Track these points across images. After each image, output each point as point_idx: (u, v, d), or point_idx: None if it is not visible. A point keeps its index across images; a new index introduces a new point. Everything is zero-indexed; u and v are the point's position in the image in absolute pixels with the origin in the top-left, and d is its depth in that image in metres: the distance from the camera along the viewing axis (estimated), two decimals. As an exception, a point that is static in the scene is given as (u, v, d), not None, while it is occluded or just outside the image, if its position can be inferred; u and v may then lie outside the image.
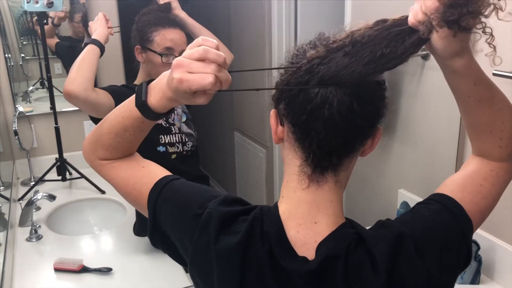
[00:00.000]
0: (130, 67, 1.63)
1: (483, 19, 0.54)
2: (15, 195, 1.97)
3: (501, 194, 0.72)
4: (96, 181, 2.00)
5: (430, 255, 0.63)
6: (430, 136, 1.45)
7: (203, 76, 0.58)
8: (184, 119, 1.59)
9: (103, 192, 1.98)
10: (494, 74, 1.05)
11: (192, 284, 0.74)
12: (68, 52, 2.24)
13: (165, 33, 1.45)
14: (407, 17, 0.59)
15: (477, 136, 0.71)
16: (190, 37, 1.61)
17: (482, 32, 0.56)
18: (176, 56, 1.45)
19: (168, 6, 1.60)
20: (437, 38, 0.57)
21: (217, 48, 0.59)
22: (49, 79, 1.93)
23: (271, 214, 0.66)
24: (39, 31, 1.91)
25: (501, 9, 0.53)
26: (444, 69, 0.63)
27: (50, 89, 1.96)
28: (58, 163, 2.02)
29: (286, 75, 0.63)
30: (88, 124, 2.25)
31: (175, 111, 1.58)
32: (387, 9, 1.45)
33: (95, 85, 1.39)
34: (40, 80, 2.26)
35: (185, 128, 1.57)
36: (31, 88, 2.26)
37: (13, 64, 2.18)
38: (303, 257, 0.63)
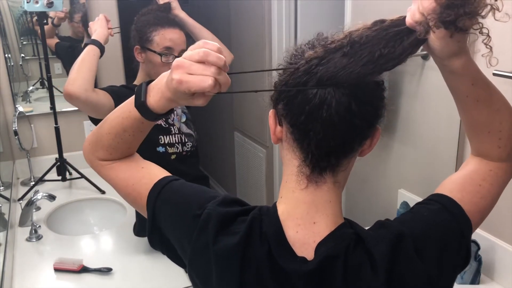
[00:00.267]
0: (130, 67, 1.63)
1: (480, 20, 0.54)
2: (15, 195, 1.97)
3: (500, 194, 0.72)
4: (96, 181, 2.00)
5: (429, 255, 0.63)
6: (430, 136, 1.44)
7: (203, 79, 0.58)
8: (183, 119, 1.59)
9: (103, 192, 1.98)
10: (494, 74, 1.05)
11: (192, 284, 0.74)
12: (68, 52, 2.24)
13: (165, 33, 1.45)
14: (405, 17, 0.59)
15: (476, 136, 0.72)
16: (189, 37, 1.60)
17: (479, 32, 0.56)
18: (175, 56, 1.45)
19: (167, 6, 1.60)
20: (434, 38, 0.57)
21: (219, 51, 0.59)
22: (49, 79, 1.93)
23: (270, 215, 0.66)
24: (39, 31, 1.91)
25: (498, 9, 0.53)
26: (442, 69, 0.63)
27: (50, 89, 1.96)
28: (58, 163, 2.03)
29: (285, 75, 0.63)
30: (88, 124, 2.25)
31: (175, 112, 1.58)
32: (387, 9, 1.45)
33: (95, 86, 1.39)
34: (40, 80, 2.26)
35: (184, 129, 1.57)
36: (31, 88, 2.26)
37: (13, 64, 2.18)
38: (302, 257, 0.63)
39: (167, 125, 1.52)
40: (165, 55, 1.43)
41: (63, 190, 2.03)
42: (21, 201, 1.90)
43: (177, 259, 0.74)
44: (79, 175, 2.03)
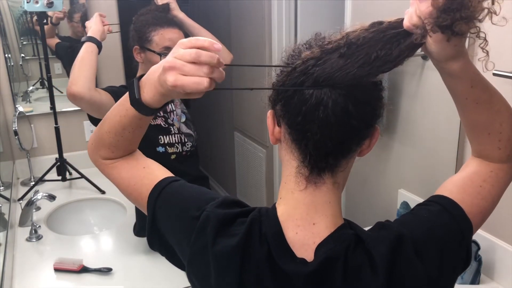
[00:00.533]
0: (130, 67, 1.63)
1: (477, 24, 0.54)
2: (15, 195, 1.97)
3: (501, 195, 0.72)
4: (96, 181, 2.00)
5: (429, 256, 0.63)
6: (430, 136, 1.44)
7: (198, 80, 0.57)
8: (183, 119, 1.59)
9: (103, 192, 1.98)
10: (494, 74, 1.04)
11: (191, 285, 0.74)
12: (68, 52, 2.24)
13: (164, 32, 1.45)
14: (402, 19, 0.58)
15: (476, 137, 0.71)
16: (188, 37, 1.60)
17: (476, 36, 0.55)
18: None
19: (166, 6, 1.60)
20: (432, 42, 0.57)
21: (211, 46, 0.58)
22: (49, 79, 1.93)
23: (269, 216, 0.66)
24: (39, 31, 1.91)
25: (495, 13, 0.53)
26: (440, 71, 0.63)
27: (50, 89, 1.96)
28: (58, 163, 2.03)
29: (282, 76, 0.63)
30: (88, 124, 2.25)
31: (174, 112, 1.58)
32: (387, 10, 1.45)
33: (95, 86, 1.39)
34: (40, 80, 2.26)
35: (184, 129, 1.57)
36: (31, 88, 2.26)
37: (13, 64, 2.18)
38: (302, 258, 0.63)
39: (166, 125, 1.52)
40: (164, 55, 1.43)
41: (63, 190, 2.03)
42: (21, 201, 1.90)
43: (176, 261, 0.74)
44: (79, 175, 2.04)
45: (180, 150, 1.53)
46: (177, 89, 0.59)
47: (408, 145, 1.53)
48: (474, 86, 0.63)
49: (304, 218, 0.64)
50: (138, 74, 1.67)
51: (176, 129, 1.54)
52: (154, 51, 1.43)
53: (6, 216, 1.65)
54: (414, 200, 1.49)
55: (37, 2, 1.76)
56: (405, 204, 1.49)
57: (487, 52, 0.57)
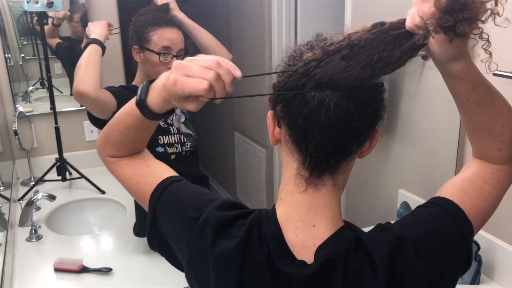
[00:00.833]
0: (130, 67, 1.63)
1: (480, 25, 0.53)
2: (15, 195, 1.97)
3: (501, 197, 0.72)
4: (96, 181, 2.00)
5: (430, 258, 0.63)
6: (430, 136, 1.44)
7: (198, 81, 0.57)
8: (182, 119, 1.59)
9: (103, 192, 1.98)
10: (494, 74, 1.04)
11: (191, 285, 0.74)
12: (68, 52, 2.24)
13: (163, 32, 1.45)
14: (404, 20, 0.58)
15: (477, 138, 0.71)
16: (188, 37, 1.60)
17: (479, 38, 0.55)
18: (174, 56, 1.45)
19: (166, 7, 1.60)
20: (434, 43, 0.57)
21: (233, 69, 0.58)
22: (49, 79, 1.93)
23: (269, 218, 0.66)
24: (39, 31, 1.91)
25: (498, 14, 0.53)
26: (442, 72, 0.63)
27: (50, 89, 1.96)
28: (58, 163, 2.03)
29: (283, 77, 0.62)
30: (88, 124, 2.25)
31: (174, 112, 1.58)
32: (387, 10, 1.45)
33: None
34: (40, 80, 2.26)
35: (183, 129, 1.57)
36: (31, 88, 2.26)
37: (13, 64, 2.18)
38: (302, 260, 0.63)
39: (166, 125, 1.52)
40: (163, 54, 1.43)
41: (63, 190, 2.03)
42: (21, 201, 1.90)
43: (175, 261, 0.74)
44: (79, 175, 2.04)
45: (180, 150, 1.52)
46: (176, 87, 0.59)
47: (408, 145, 1.53)
48: (476, 87, 0.63)
49: (304, 220, 0.64)
50: (137, 74, 1.68)
51: (175, 129, 1.54)
52: (152, 51, 1.43)
53: (6, 216, 1.65)
54: (414, 200, 1.49)
55: (37, 2, 1.76)
56: (405, 204, 1.49)
57: (490, 53, 0.57)
